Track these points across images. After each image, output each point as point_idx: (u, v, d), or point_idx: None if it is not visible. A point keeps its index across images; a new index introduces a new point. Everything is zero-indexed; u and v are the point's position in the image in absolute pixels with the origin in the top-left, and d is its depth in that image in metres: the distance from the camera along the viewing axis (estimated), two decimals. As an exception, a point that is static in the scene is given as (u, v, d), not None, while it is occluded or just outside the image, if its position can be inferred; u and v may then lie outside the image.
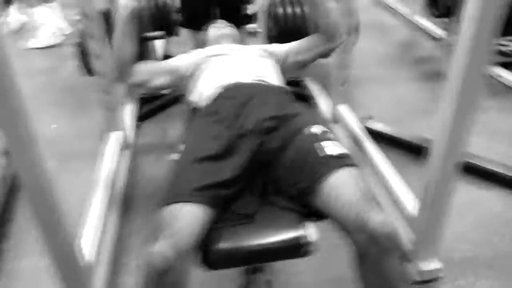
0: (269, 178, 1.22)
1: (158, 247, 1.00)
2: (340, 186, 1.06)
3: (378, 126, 2.34)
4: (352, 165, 1.13)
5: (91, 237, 1.48)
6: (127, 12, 1.45)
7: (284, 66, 1.63)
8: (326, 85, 2.74)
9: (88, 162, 2.19)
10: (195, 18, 1.99)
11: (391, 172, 1.78)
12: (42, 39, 3.97)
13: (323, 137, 1.18)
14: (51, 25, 4.08)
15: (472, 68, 1.10)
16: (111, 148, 2.02)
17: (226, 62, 1.54)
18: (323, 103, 2.57)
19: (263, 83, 1.43)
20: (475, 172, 1.92)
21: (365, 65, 3.11)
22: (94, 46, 1.93)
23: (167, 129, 2.55)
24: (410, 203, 1.55)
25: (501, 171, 1.92)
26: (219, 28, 1.84)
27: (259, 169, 1.21)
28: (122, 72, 1.51)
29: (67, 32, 4.09)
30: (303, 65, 1.66)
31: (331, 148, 1.14)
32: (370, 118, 2.41)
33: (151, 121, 2.63)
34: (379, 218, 0.99)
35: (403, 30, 3.98)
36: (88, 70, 2.32)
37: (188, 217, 1.04)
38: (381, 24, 4.10)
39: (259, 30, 2.28)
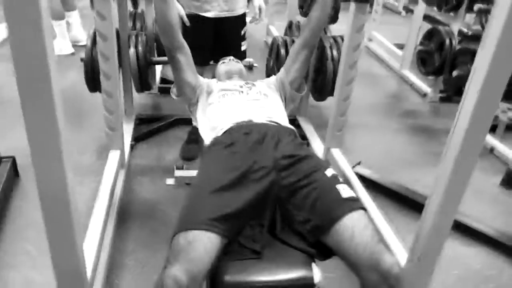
0: (278, 213, 1.28)
1: (174, 272, 1.04)
2: (354, 227, 1.15)
3: (366, 172, 2.44)
4: (363, 208, 1.22)
5: (90, 255, 1.48)
6: None
7: (286, 92, 1.82)
8: (318, 126, 2.86)
9: (87, 176, 2.21)
10: (200, 55, 2.10)
11: (382, 219, 1.86)
12: (56, 47, 4.02)
13: (338, 180, 1.27)
14: (68, 35, 4.22)
15: (473, 134, 1.20)
16: (111, 166, 2.03)
17: (239, 99, 1.64)
18: (316, 144, 2.67)
19: (274, 123, 1.51)
20: (459, 228, 2.02)
21: (356, 112, 3.24)
22: (104, 66, 1.97)
23: (163, 152, 2.58)
24: (400, 253, 1.62)
25: (484, 229, 2.04)
26: (228, 64, 1.94)
27: (270, 203, 1.27)
28: (167, 33, 1.66)
29: (82, 43, 4.19)
30: (299, 83, 1.86)
31: (345, 191, 1.24)
32: (359, 163, 2.51)
33: (147, 142, 2.66)
34: (391, 260, 1.09)
35: (391, 81, 4.18)
36: (93, 86, 2.35)
37: (205, 245, 1.09)
38: (371, 73, 4.29)
39: (255, 65, 2.44)
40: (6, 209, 1.97)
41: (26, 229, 1.88)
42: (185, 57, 1.72)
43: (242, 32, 2.47)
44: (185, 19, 2.30)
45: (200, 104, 1.71)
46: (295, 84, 1.83)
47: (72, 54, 4.13)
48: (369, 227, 1.17)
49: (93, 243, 1.55)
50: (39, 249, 1.77)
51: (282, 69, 1.88)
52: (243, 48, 2.52)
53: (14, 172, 2.17)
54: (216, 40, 2.38)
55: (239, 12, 2.41)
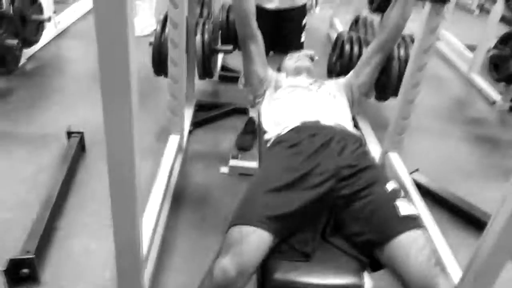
0: (332, 220, 1.27)
1: (224, 263, 1.07)
2: (411, 246, 1.12)
3: (423, 180, 2.36)
4: (422, 227, 1.18)
5: (147, 232, 1.55)
6: None
7: (354, 95, 1.80)
8: (375, 126, 2.80)
9: (147, 157, 2.30)
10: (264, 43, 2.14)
11: (437, 232, 1.80)
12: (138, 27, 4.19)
13: (399, 195, 1.24)
14: (143, 18, 4.31)
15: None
16: (170, 150, 2.10)
17: (307, 97, 1.62)
18: (372, 146, 2.61)
19: (341, 127, 1.49)
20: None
21: (417, 115, 3.13)
22: (173, 52, 2.03)
23: (219, 139, 2.63)
24: (452, 269, 1.57)
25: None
26: (298, 60, 1.91)
27: (325, 210, 1.27)
28: (243, 20, 1.72)
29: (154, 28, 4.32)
30: (367, 88, 1.86)
31: (405, 207, 1.20)
32: (417, 170, 2.44)
33: (204, 129, 2.72)
34: (447, 286, 1.06)
35: (458, 84, 3.98)
36: (159, 70, 2.43)
37: (257, 242, 1.11)
38: (436, 74, 4.11)
39: (316, 57, 2.41)
40: (72, 182, 2.10)
41: (89, 202, 1.99)
42: (257, 47, 1.74)
43: (302, 23, 2.46)
44: None
45: (267, 97, 1.72)
46: (364, 88, 1.81)
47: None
48: (426, 247, 1.13)
49: (150, 220, 1.63)
50: (99, 221, 1.88)
51: (352, 72, 1.86)
52: (302, 39, 2.51)
53: (81, 147, 2.30)
54: (276, 31, 2.38)
55: (299, 3, 2.41)
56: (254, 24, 1.70)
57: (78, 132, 2.28)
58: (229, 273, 1.06)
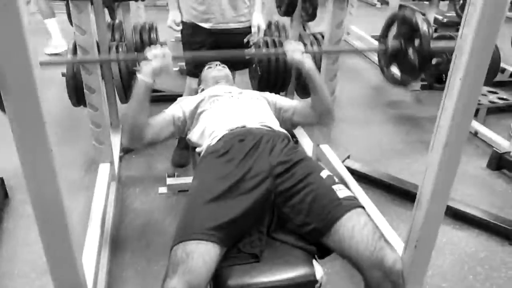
0: (276, 217, 1.29)
1: (173, 284, 1.04)
2: (354, 226, 1.16)
3: (356, 165, 2.47)
4: (360, 206, 1.23)
5: (89, 272, 1.47)
6: (145, 87, 1.46)
7: (279, 118, 1.70)
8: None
9: (78, 191, 2.19)
10: (198, 67, 2.09)
11: (375, 212, 1.89)
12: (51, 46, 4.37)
13: (334, 181, 1.28)
14: (54, 37, 4.38)
15: (459, 120, 1.22)
16: (102, 180, 2.02)
17: (230, 105, 1.62)
18: (304, 141, 2.69)
19: (267, 128, 1.51)
20: (449, 213, 2.07)
21: (341, 106, 3.29)
22: (88, 79, 1.95)
23: (153, 161, 2.57)
24: (395, 243, 1.64)
25: (472, 213, 2.08)
26: (215, 69, 1.92)
27: (267, 210, 1.27)
28: (136, 139, 1.50)
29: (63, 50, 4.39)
30: (293, 125, 1.77)
31: (342, 191, 1.24)
32: (348, 157, 2.54)
33: (136, 152, 2.64)
34: (394, 256, 1.11)
35: (372, 73, 4.23)
36: (77, 100, 2.33)
37: (203, 255, 1.09)
38: (352, 67, 4.34)
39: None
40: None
41: (20, 251, 1.85)
42: (157, 135, 1.55)
43: (245, 41, 2.38)
44: (175, 26, 2.29)
45: (193, 121, 1.64)
46: (295, 124, 1.75)
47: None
48: (368, 224, 1.17)
49: (91, 258, 1.54)
50: (35, 270, 1.75)
51: (287, 103, 1.73)
52: (247, 56, 2.47)
53: (3, 193, 2.14)
54: (217, 49, 2.31)
55: (239, 25, 2.33)
56: (147, 134, 1.50)
57: (-3, 178, 2.12)
58: None
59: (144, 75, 1.46)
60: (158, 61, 1.48)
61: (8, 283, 1.70)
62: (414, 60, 1.75)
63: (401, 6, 4.24)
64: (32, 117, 0.92)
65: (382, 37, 1.99)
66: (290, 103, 1.75)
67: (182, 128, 1.64)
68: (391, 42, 1.86)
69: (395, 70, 1.97)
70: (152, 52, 1.49)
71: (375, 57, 4.44)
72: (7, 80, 0.87)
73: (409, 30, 1.75)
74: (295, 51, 1.58)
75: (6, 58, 0.85)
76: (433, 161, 1.31)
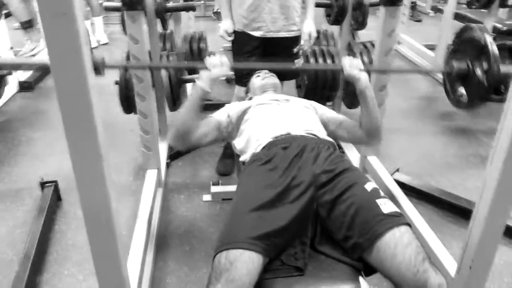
0: (319, 229, 1.25)
1: None
2: (396, 244, 1.10)
3: (406, 179, 2.38)
4: (406, 223, 1.16)
5: (134, 275, 1.50)
6: (202, 94, 1.50)
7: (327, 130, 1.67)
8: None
9: (125, 196, 2.25)
10: (246, 76, 2.11)
11: (426, 228, 1.80)
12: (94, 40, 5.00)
13: (380, 194, 1.23)
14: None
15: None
16: (149, 185, 2.06)
17: (276, 112, 1.61)
18: (351, 153, 2.63)
19: (313, 136, 1.48)
20: (507, 232, 1.93)
21: (390, 117, 3.18)
22: (139, 88, 2.01)
23: (198, 168, 2.60)
24: (447, 262, 1.56)
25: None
26: (263, 78, 1.91)
27: (310, 220, 1.24)
28: (181, 141, 1.54)
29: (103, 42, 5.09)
30: (335, 139, 1.70)
31: (387, 206, 1.18)
32: (397, 170, 2.45)
33: (182, 160, 2.68)
34: (438, 279, 1.04)
35: (425, 83, 4.08)
36: (128, 108, 2.40)
37: (247, 264, 1.07)
38: (403, 76, 4.20)
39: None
40: (51, 232, 2.02)
41: (70, 252, 1.92)
42: (200, 139, 1.58)
43: (295, 51, 2.38)
44: (227, 37, 2.31)
45: (239, 130, 1.64)
46: (337, 137, 1.70)
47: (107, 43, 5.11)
48: (413, 244, 1.11)
49: (136, 263, 1.57)
50: (83, 271, 1.80)
51: (335, 117, 1.72)
52: (296, 66, 2.46)
53: (56, 196, 2.23)
54: (266, 58, 2.32)
55: (289, 34, 2.32)
56: (191, 136, 1.55)
57: (52, 182, 2.21)
58: None
59: (202, 83, 1.49)
60: (217, 70, 1.50)
61: (57, 283, 1.76)
62: (483, 82, 1.64)
63: (457, 15, 4.09)
64: (85, 123, 0.95)
65: (448, 58, 1.86)
66: (338, 116, 1.72)
67: (226, 134, 1.65)
68: (457, 63, 1.74)
69: (462, 91, 1.85)
70: (211, 60, 1.52)
71: (428, 66, 4.30)
72: (63, 86, 0.90)
73: (476, 51, 1.65)
74: (353, 67, 1.54)
75: (62, 65, 0.87)
76: (492, 175, 1.22)
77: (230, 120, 1.65)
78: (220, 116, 1.66)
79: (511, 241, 1.96)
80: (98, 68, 1.50)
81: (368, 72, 2.18)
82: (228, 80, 3.76)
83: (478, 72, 1.64)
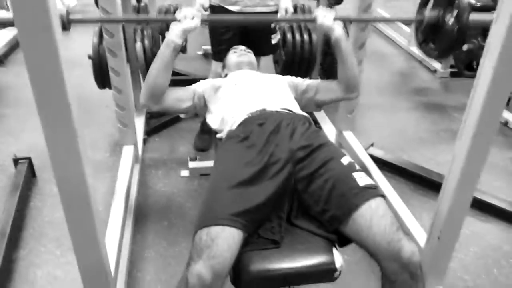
0: (296, 203, 1.28)
1: (197, 269, 1.04)
2: (372, 216, 1.14)
3: (380, 153, 2.43)
4: (381, 195, 1.20)
5: (112, 250, 1.50)
6: (173, 48, 1.49)
7: (301, 100, 1.69)
8: (328, 109, 2.85)
9: (102, 172, 2.24)
10: (223, 51, 2.09)
11: (397, 200, 1.86)
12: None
13: (355, 168, 1.26)
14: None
15: (490, 109, 1.18)
16: (126, 161, 2.05)
17: (251, 89, 1.61)
18: (327, 128, 2.67)
19: (288, 111, 1.49)
20: (475, 205, 2.01)
21: (366, 93, 3.21)
22: (113, 62, 1.97)
23: (176, 144, 2.59)
24: (417, 233, 1.62)
25: (499, 205, 2.03)
26: (240, 55, 1.90)
27: (287, 195, 1.27)
28: (154, 99, 1.54)
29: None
30: (318, 105, 1.74)
31: (362, 179, 1.22)
32: (372, 145, 2.50)
33: (159, 135, 2.67)
34: (411, 248, 1.08)
35: (400, 59, 4.12)
36: (102, 83, 2.36)
37: (227, 240, 1.09)
38: (379, 52, 4.24)
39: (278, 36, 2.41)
40: (26, 209, 2.00)
41: (47, 228, 1.91)
42: (174, 100, 1.60)
43: (272, 26, 2.38)
44: (203, 11, 2.25)
45: (211, 105, 1.65)
46: (319, 104, 1.72)
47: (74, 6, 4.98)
48: (387, 215, 1.15)
49: (114, 238, 1.57)
50: (60, 247, 1.80)
51: (309, 83, 1.71)
52: (273, 41, 2.44)
53: (31, 172, 2.19)
54: (243, 34, 2.31)
55: (267, 9, 2.29)
56: (165, 97, 1.56)
57: (25, 158, 2.17)
58: (204, 278, 1.03)
59: (173, 35, 1.50)
60: (188, 21, 1.51)
61: (34, 259, 1.75)
62: (452, 31, 1.71)
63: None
64: (58, 98, 0.93)
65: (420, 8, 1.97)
66: (313, 82, 1.74)
67: (199, 107, 1.66)
68: (429, 12, 1.83)
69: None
70: (182, 13, 1.52)
71: (401, 40, 4.34)
72: (30, 48, 0.87)
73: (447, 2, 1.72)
74: (326, 17, 1.55)
75: (28, 23, 0.84)
76: (461, 150, 1.27)
77: (205, 94, 1.66)
78: (195, 87, 1.67)
79: (478, 212, 2.05)
80: (64, 23, 1.45)
81: (345, 25, 2.21)
82: (206, 55, 3.72)
83: (448, 19, 1.73)
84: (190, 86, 1.67)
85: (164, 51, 1.51)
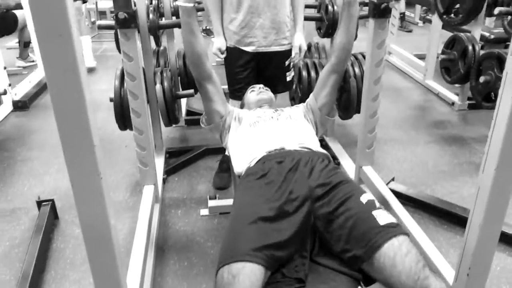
0: (318, 241, 1.26)
1: None
2: (395, 254, 1.11)
3: (401, 188, 2.39)
4: (403, 233, 1.17)
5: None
6: (188, 11, 1.59)
7: (316, 117, 1.82)
8: (346, 144, 2.85)
9: (122, 213, 2.26)
10: (240, 90, 2.15)
11: (423, 237, 1.81)
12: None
13: (375, 205, 1.24)
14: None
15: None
16: (146, 201, 2.06)
17: (270, 127, 1.64)
18: (346, 163, 2.65)
19: (307, 149, 1.50)
20: (505, 239, 1.94)
21: (383, 127, 3.22)
22: (134, 104, 2.02)
23: (195, 183, 2.60)
24: (445, 270, 1.57)
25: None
26: (258, 93, 1.94)
27: (309, 233, 1.25)
28: (195, 67, 1.71)
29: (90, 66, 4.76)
30: (329, 108, 1.87)
31: (383, 217, 1.20)
32: (393, 180, 2.47)
33: (178, 175, 2.69)
34: (439, 286, 1.06)
35: (416, 92, 4.13)
36: (124, 124, 2.42)
37: (249, 277, 1.07)
38: (395, 86, 4.25)
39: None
40: (48, 251, 2.01)
41: (68, 270, 1.91)
42: (214, 86, 1.75)
43: (287, 63, 2.44)
44: (220, 54, 2.33)
45: (231, 133, 1.72)
46: (325, 109, 1.84)
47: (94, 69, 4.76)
48: (411, 252, 1.12)
49: (135, 279, 1.56)
50: (82, 289, 1.80)
51: (311, 95, 1.88)
52: (288, 78, 2.50)
53: (53, 214, 2.22)
54: (259, 72, 2.38)
55: (281, 48, 2.37)
56: (207, 65, 1.71)
57: (48, 200, 2.21)
58: None
59: (182, 1, 1.59)
60: None
61: (56, 302, 1.75)
62: None
63: (444, 24, 4.15)
64: (83, 140, 0.96)
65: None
66: (316, 87, 1.90)
67: (223, 120, 1.78)
68: None
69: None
70: None
71: (417, 74, 4.36)
72: (61, 106, 0.91)
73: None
74: None
75: (60, 85, 0.89)
76: (485, 183, 1.24)
77: (231, 114, 1.79)
78: (232, 108, 1.84)
79: (507, 247, 1.97)
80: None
81: (357, 79, 2.28)
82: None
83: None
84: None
85: (182, 19, 1.62)
